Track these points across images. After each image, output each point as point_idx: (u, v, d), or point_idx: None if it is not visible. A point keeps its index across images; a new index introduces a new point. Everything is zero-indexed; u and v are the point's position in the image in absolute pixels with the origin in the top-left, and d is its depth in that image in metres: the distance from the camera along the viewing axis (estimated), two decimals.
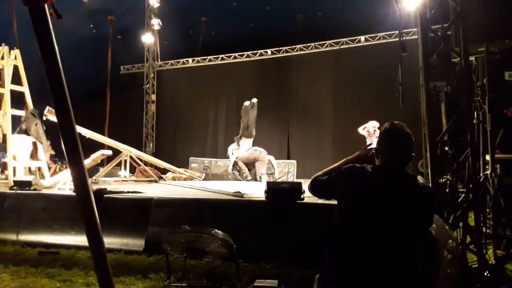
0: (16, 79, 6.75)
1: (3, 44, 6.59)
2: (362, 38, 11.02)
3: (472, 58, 4.14)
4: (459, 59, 3.94)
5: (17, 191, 5.28)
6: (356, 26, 10.81)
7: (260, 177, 9.19)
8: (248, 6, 12.23)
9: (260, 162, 9.41)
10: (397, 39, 9.91)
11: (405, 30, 9.32)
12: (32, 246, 4.72)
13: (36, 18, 1.24)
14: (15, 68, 6.70)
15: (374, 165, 1.91)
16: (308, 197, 4.37)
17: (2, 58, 6.52)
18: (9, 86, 6.53)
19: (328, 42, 11.40)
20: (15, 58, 6.69)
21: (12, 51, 6.66)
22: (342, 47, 11.29)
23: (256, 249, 4.02)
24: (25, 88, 6.87)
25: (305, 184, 4.44)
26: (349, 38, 11.15)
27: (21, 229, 4.95)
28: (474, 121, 3.93)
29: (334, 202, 2.00)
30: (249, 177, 9.37)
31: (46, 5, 1.25)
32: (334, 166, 2.09)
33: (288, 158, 11.10)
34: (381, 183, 1.82)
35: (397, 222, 1.76)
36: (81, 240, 4.54)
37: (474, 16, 3.91)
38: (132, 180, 8.18)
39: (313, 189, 2.11)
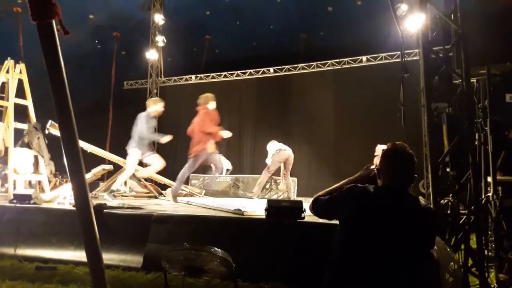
0: (19, 93, 6.80)
1: (8, 58, 6.66)
2: (364, 58, 11.13)
3: (473, 80, 4.17)
4: (460, 81, 3.97)
5: (17, 205, 5.26)
6: (357, 46, 10.95)
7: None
8: (252, 25, 12.43)
9: (289, 163, 8.77)
10: (399, 59, 10.04)
11: (406, 51, 9.44)
12: (30, 260, 4.66)
13: (44, 34, 1.26)
14: (20, 81, 6.76)
15: (376, 185, 1.91)
16: (309, 216, 4.35)
17: (7, 71, 6.58)
18: (13, 99, 6.58)
19: (330, 61, 11.51)
20: (20, 72, 6.75)
21: (17, 65, 6.73)
22: (343, 66, 11.39)
23: (255, 269, 3.97)
24: (28, 102, 6.91)
25: (306, 203, 4.42)
26: (350, 58, 11.25)
27: (19, 243, 4.90)
28: (476, 143, 3.94)
29: (335, 222, 1.99)
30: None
31: (53, 21, 1.27)
32: (336, 186, 2.09)
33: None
34: (383, 204, 1.81)
35: (399, 243, 1.75)
36: (79, 255, 4.50)
37: (475, 38, 3.95)
38: (132, 196, 8.15)
39: (314, 209, 2.11)
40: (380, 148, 8.53)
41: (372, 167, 2.09)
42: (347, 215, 1.86)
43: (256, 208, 5.23)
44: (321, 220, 4.16)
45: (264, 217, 4.42)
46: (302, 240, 4.11)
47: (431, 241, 1.88)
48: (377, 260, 1.72)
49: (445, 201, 3.92)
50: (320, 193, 2.12)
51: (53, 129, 6.69)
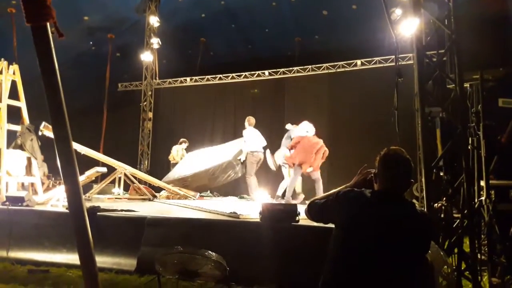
0: (13, 94, 6.76)
1: (2, 59, 6.63)
2: (358, 62, 11.17)
3: (466, 85, 4.20)
4: (454, 85, 4.00)
5: (9, 207, 5.22)
6: (352, 50, 10.99)
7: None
8: (247, 28, 12.45)
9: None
10: (393, 63, 10.07)
11: (401, 55, 9.49)
12: (22, 263, 4.63)
13: (38, 36, 1.25)
14: (13, 83, 6.72)
15: (373, 190, 1.91)
16: (304, 219, 4.35)
17: (1, 72, 6.54)
18: (6, 101, 6.54)
19: (324, 65, 11.54)
20: (14, 73, 6.71)
21: (11, 66, 6.69)
22: (338, 70, 11.42)
23: (249, 272, 3.96)
24: (22, 104, 6.87)
25: (300, 206, 4.42)
26: (345, 62, 11.29)
27: (12, 245, 4.86)
28: (469, 147, 3.96)
29: (331, 226, 1.99)
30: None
31: (48, 24, 1.27)
32: (332, 192, 2.09)
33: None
34: (379, 208, 1.82)
35: (394, 247, 1.75)
36: (72, 258, 4.47)
37: (469, 44, 3.98)
38: (126, 198, 8.11)
39: (310, 213, 2.11)
40: (292, 127, 8.32)
41: (370, 170, 2.09)
42: (343, 220, 1.86)
43: (251, 211, 5.22)
44: (316, 224, 4.17)
45: (258, 220, 4.42)
46: (297, 243, 4.11)
47: (426, 245, 1.88)
48: (372, 265, 1.72)
49: (439, 205, 3.94)
50: (316, 197, 2.13)
51: (47, 130, 6.65)
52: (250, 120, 8.83)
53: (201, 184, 9.37)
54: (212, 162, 9.30)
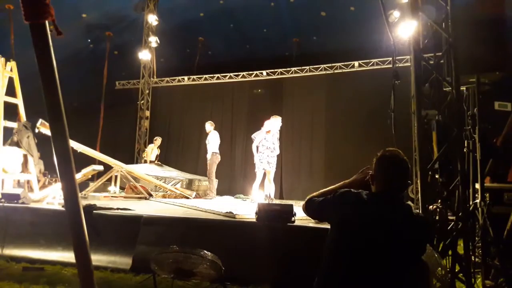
0: (10, 91, 6.74)
1: None
2: (356, 63, 11.21)
3: (463, 88, 4.22)
4: (450, 88, 4.02)
5: (5, 204, 5.20)
6: (350, 51, 11.03)
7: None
8: (245, 28, 12.46)
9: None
10: (390, 65, 10.08)
11: (398, 57, 9.51)
12: (17, 261, 4.62)
13: (36, 34, 1.25)
14: (10, 79, 6.70)
15: (370, 191, 1.91)
16: (299, 219, 4.36)
17: None
18: (3, 97, 6.52)
19: (322, 66, 11.57)
20: (11, 70, 6.69)
21: (8, 62, 6.67)
22: (336, 71, 11.46)
23: (244, 272, 3.97)
24: (19, 100, 6.85)
25: (297, 206, 4.44)
26: (343, 63, 11.33)
27: (7, 243, 4.85)
28: (464, 150, 3.98)
29: (326, 226, 1.99)
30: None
31: (47, 22, 1.27)
32: (330, 188, 2.07)
33: (281, 179, 11.10)
34: (375, 210, 1.81)
35: (390, 249, 1.75)
36: (67, 256, 4.47)
37: (466, 47, 4.00)
38: (122, 196, 8.10)
39: (307, 209, 2.10)
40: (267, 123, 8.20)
41: (369, 171, 2.08)
42: (339, 220, 1.86)
43: (247, 211, 5.22)
44: (311, 224, 4.19)
45: (255, 220, 4.42)
46: (292, 244, 4.12)
47: (422, 248, 1.88)
48: (367, 266, 1.73)
49: (434, 207, 3.95)
50: (314, 194, 2.10)
51: (43, 128, 6.62)
52: (213, 124, 9.29)
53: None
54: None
